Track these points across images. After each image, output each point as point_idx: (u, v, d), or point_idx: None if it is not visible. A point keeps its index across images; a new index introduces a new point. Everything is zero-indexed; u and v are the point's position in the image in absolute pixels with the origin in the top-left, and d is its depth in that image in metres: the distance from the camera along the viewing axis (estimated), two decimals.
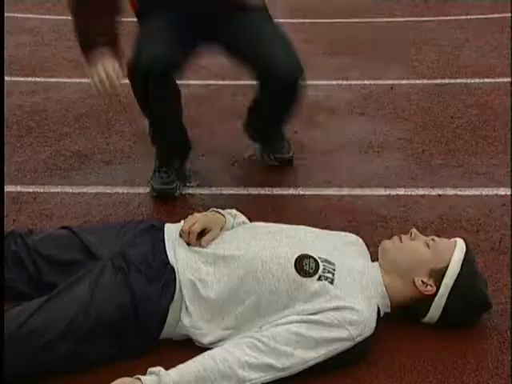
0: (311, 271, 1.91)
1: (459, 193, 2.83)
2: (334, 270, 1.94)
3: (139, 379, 1.73)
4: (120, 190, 2.85)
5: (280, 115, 2.78)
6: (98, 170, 3.02)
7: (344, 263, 1.98)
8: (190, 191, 2.84)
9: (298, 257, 1.94)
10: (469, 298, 1.98)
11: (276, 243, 1.99)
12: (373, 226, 2.59)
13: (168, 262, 1.97)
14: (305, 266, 1.92)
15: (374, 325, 1.90)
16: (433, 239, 2.04)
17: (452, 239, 2.08)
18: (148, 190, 2.84)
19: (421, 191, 2.84)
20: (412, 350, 1.99)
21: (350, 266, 1.98)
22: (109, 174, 2.98)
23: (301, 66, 2.56)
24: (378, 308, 1.96)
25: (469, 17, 5.17)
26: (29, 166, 3.04)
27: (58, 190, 2.85)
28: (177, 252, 2.00)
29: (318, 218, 2.49)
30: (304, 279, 1.90)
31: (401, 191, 2.81)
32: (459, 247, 2.02)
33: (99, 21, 2.35)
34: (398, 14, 5.19)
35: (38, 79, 4.04)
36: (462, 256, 2.00)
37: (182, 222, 2.11)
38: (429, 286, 1.98)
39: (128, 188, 2.87)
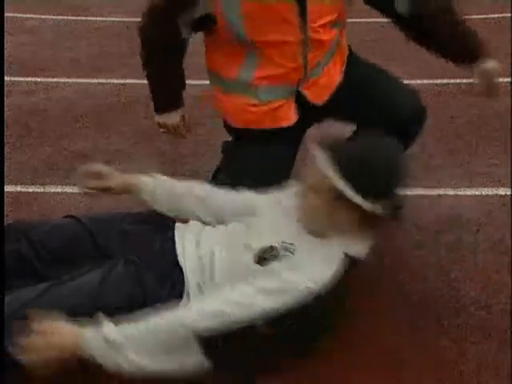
0: (272, 257, 1.91)
1: (459, 193, 2.83)
2: (294, 248, 1.92)
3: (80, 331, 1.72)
4: None
5: None
6: None
7: (303, 236, 1.96)
8: None
9: (259, 252, 1.94)
10: None
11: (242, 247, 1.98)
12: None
13: (177, 263, 1.97)
14: (266, 256, 1.92)
15: (332, 279, 1.87)
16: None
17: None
18: None
19: (421, 191, 2.84)
20: (412, 350, 1.99)
21: (308, 239, 1.96)
22: None
23: (423, 106, 2.48)
24: (349, 258, 1.93)
25: (469, 17, 5.16)
26: (29, 166, 3.04)
27: (58, 189, 2.86)
28: (186, 253, 1.99)
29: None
30: (268, 266, 1.90)
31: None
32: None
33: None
34: None
35: (37, 79, 4.04)
36: None
37: (191, 221, 2.11)
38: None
39: None
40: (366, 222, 1.94)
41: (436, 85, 3.93)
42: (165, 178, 2.18)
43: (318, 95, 2.38)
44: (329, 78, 2.40)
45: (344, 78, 2.43)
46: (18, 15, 5.24)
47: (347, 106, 2.43)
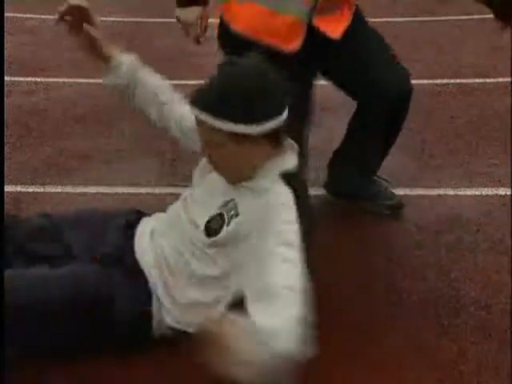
0: (220, 224, 1.87)
1: (459, 193, 2.83)
2: (236, 203, 1.87)
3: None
4: (120, 190, 2.85)
5: (389, 141, 2.65)
6: (98, 170, 3.02)
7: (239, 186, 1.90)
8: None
9: (206, 225, 1.90)
10: None
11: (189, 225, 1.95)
12: (373, 227, 2.59)
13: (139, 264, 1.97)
14: (214, 226, 1.88)
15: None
16: None
17: None
18: (148, 190, 2.84)
19: (421, 191, 2.84)
20: (411, 350, 1.99)
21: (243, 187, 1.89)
22: (109, 174, 2.98)
23: (408, 80, 2.49)
24: (286, 176, 1.87)
25: (469, 17, 5.17)
26: (29, 166, 3.04)
27: (58, 189, 2.85)
28: (143, 250, 1.99)
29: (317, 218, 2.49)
30: (217, 236, 1.87)
31: (401, 191, 2.81)
32: None
33: None
34: (398, 14, 5.19)
35: (38, 79, 4.04)
36: None
37: (156, 214, 2.10)
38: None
39: (128, 188, 2.87)
40: (269, 142, 1.83)
41: (436, 85, 3.92)
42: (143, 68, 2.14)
43: (333, 28, 2.37)
44: (343, 17, 2.40)
45: (348, 31, 2.41)
46: (18, 15, 5.24)
47: (342, 67, 2.46)
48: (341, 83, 2.57)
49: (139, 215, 2.13)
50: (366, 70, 2.44)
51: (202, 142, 1.88)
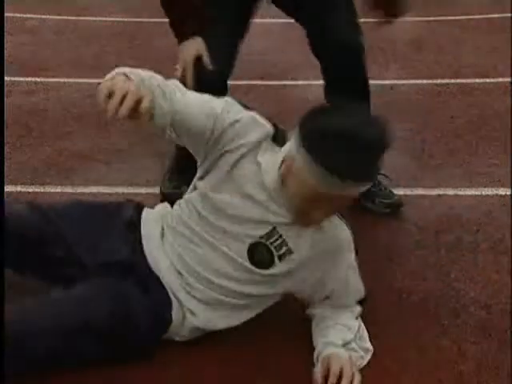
0: (267, 260, 1.86)
1: (459, 193, 2.83)
2: (283, 237, 1.84)
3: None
4: (120, 190, 2.85)
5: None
6: (98, 170, 3.01)
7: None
8: None
9: (249, 250, 1.85)
10: None
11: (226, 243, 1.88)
12: (373, 227, 2.59)
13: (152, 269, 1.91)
14: (259, 256, 1.86)
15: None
16: None
17: None
18: (148, 190, 2.84)
19: (421, 191, 2.84)
20: (411, 350, 1.99)
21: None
22: (109, 174, 2.98)
23: (359, 39, 2.51)
24: None
25: (469, 17, 5.17)
26: (29, 166, 3.04)
27: (58, 190, 2.85)
28: (154, 254, 1.93)
29: None
30: (268, 271, 1.87)
31: (401, 191, 2.80)
32: None
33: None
34: None
35: (37, 79, 4.04)
36: None
37: (158, 206, 2.05)
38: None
39: (128, 188, 2.87)
40: None
41: (436, 85, 3.92)
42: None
43: None
44: None
45: None
46: (18, 15, 5.24)
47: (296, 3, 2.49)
48: (292, 15, 2.59)
49: (137, 210, 2.04)
50: (318, 13, 2.46)
51: (310, 202, 1.75)
